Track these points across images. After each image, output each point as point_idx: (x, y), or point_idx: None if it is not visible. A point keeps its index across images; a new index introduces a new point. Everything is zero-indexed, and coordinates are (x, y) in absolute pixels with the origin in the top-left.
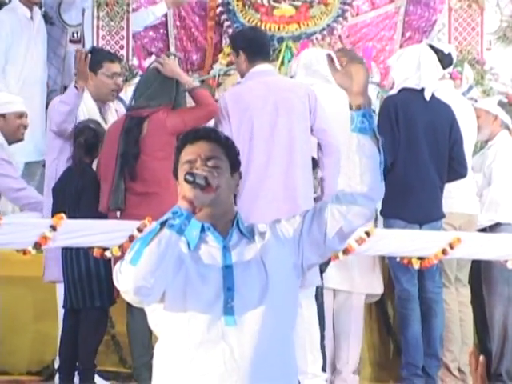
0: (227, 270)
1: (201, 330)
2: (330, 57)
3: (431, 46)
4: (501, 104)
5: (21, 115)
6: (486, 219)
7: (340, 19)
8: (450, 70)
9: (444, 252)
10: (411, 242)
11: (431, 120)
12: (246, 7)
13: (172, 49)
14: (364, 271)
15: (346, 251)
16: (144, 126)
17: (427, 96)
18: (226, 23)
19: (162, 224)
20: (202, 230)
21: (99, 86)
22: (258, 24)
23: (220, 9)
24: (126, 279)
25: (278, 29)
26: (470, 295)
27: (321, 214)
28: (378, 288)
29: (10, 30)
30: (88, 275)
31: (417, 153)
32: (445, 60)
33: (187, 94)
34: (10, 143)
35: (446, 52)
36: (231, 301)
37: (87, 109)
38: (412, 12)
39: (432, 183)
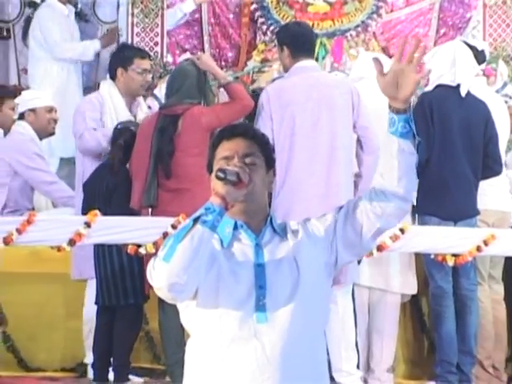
0: (259, 268)
1: (232, 327)
2: (377, 60)
3: (465, 43)
4: None
5: (50, 109)
6: None
7: (374, 16)
8: (482, 66)
9: (478, 249)
10: (445, 239)
11: (466, 117)
12: (281, 4)
13: (206, 46)
14: (400, 270)
15: (380, 248)
16: (179, 123)
17: (463, 92)
18: (260, 20)
19: (195, 220)
20: (235, 227)
21: (129, 82)
22: (293, 21)
23: (254, 6)
24: (159, 276)
25: (312, 25)
26: (503, 292)
27: (354, 215)
28: (412, 288)
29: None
30: (121, 272)
31: (451, 150)
32: (478, 57)
33: (222, 89)
34: (41, 138)
35: (480, 49)
36: (263, 298)
37: (114, 105)
38: (447, 9)
39: (466, 180)
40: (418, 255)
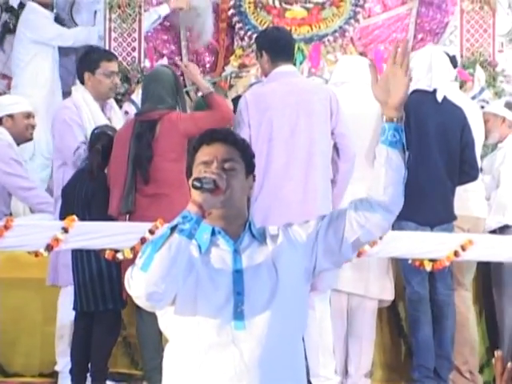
0: (237, 274)
1: (211, 334)
2: (373, 67)
3: None
4: (508, 105)
5: (28, 115)
6: (494, 221)
7: (352, 21)
8: (454, 72)
9: (456, 254)
10: (423, 244)
11: (443, 122)
12: (258, 9)
13: (184, 51)
14: (378, 276)
15: (358, 253)
16: (156, 128)
17: (439, 97)
18: (238, 25)
19: (172, 229)
20: (213, 233)
21: (97, 86)
22: (270, 26)
23: (232, 11)
24: (137, 285)
25: (290, 31)
26: (471, 299)
27: (338, 222)
28: (390, 294)
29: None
30: (100, 277)
31: (428, 154)
32: (451, 62)
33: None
34: (18, 143)
35: (451, 54)
36: (241, 305)
37: (90, 110)
38: (424, 14)
39: (443, 185)
40: (394, 260)
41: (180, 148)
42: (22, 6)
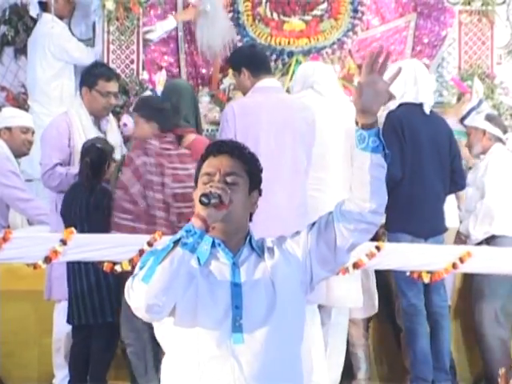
0: (236, 287)
1: (210, 347)
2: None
3: None
4: (489, 117)
5: (26, 130)
6: (482, 232)
7: (350, 33)
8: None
9: (454, 266)
10: (421, 256)
11: (433, 133)
12: (256, 21)
13: (182, 63)
14: (363, 289)
15: (356, 265)
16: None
17: (427, 110)
18: (236, 37)
19: (175, 242)
20: (213, 245)
21: (92, 103)
22: (268, 38)
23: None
24: (137, 297)
25: (288, 43)
26: None
27: (327, 233)
28: (356, 301)
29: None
30: (98, 290)
31: (422, 167)
32: None
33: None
34: (16, 156)
35: None
36: (239, 319)
37: (82, 126)
38: (422, 26)
39: (437, 196)
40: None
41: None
42: (20, 17)
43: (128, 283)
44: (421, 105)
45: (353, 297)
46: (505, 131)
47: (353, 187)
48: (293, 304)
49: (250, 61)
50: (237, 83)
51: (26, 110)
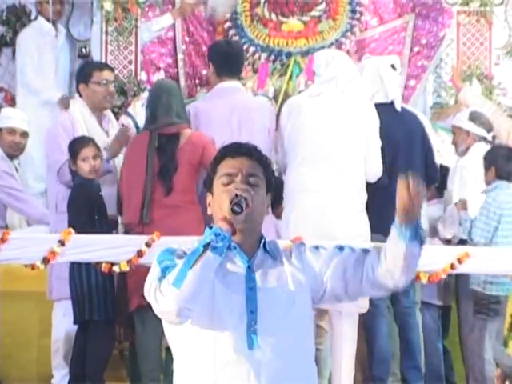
0: (250, 292)
1: (227, 351)
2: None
3: None
4: (473, 117)
5: (13, 132)
6: (450, 234)
7: (348, 34)
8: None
9: (452, 266)
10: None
11: (407, 130)
12: (255, 22)
13: (180, 64)
14: None
15: None
16: (179, 141)
17: (398, 107)
18: (234, 38)
19: (205, 246)
20: (229, 248)
21: (91, 96)
22: (266, 39)
23: (228, 24)
24: (168, 301)
25: (287, 44)
26: None
27: (351, 279)
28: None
29: (35, 48)
30: (97, 288)
31: (397, 166)
32: None
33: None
34: (9, 157)
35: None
36: (254, 324)
37: (86, 124)
38: (420, 27)
39: None
40: None
41: (197, 163)
42: (18, 18)
43: (153, 286)
44: (392, 103)
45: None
46: (490, 129)
47: (386, 256)
48: (306, 308)
49: (219, 59)
50: (208, 74)
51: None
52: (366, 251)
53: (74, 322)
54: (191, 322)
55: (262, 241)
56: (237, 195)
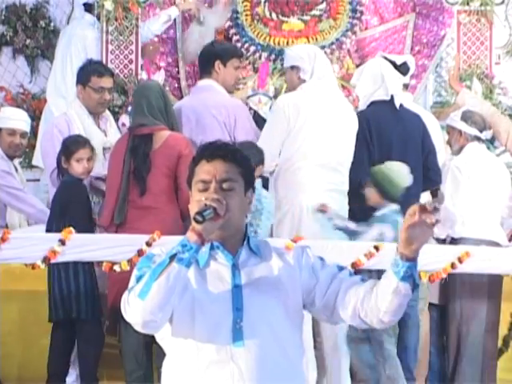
0: (236, 289)
1: (210, 351)
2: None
3: (385, 58)
4: (465, 117)
5: (13, 133)
6: (444, 234)
7: (349, 33)
8: (406, 80)
9: (453, 266)
10: (420, 256)
11: (403, 130)
12: (255, 21)
13: (180, 63)
14: None
15: (354, 265)
16: (152, 142)
17: (397, 103)
18: (235, 37)
19: (171, 257)
20: (212, 247)
21: (86, 100)
22: (267, 38)
23: (229, 23)
24: (134, 313)
25: (287, 43)
26: None
27: (343, 298)
28: None
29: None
30: (87, 288)
31: None
32: (401, 69)
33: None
34: (9, 157)
35: (399, 62)
36: (240, 321)
37: (83, 124)
38: (421, 26)
39: (409, 195)
40: None
41: (173, 166)
42: (19, 17)
43: (124, 297)
44: (391, 101)
45: None
46: (482, 129)
47: (375, 290)
48: (294, 307)
49: (203, 56)
50: None
51: (25, 109)
52: (363, 280)
53: (49, 320)
54: (171, 327)
55: (246, 239)
56: (206, 205)
